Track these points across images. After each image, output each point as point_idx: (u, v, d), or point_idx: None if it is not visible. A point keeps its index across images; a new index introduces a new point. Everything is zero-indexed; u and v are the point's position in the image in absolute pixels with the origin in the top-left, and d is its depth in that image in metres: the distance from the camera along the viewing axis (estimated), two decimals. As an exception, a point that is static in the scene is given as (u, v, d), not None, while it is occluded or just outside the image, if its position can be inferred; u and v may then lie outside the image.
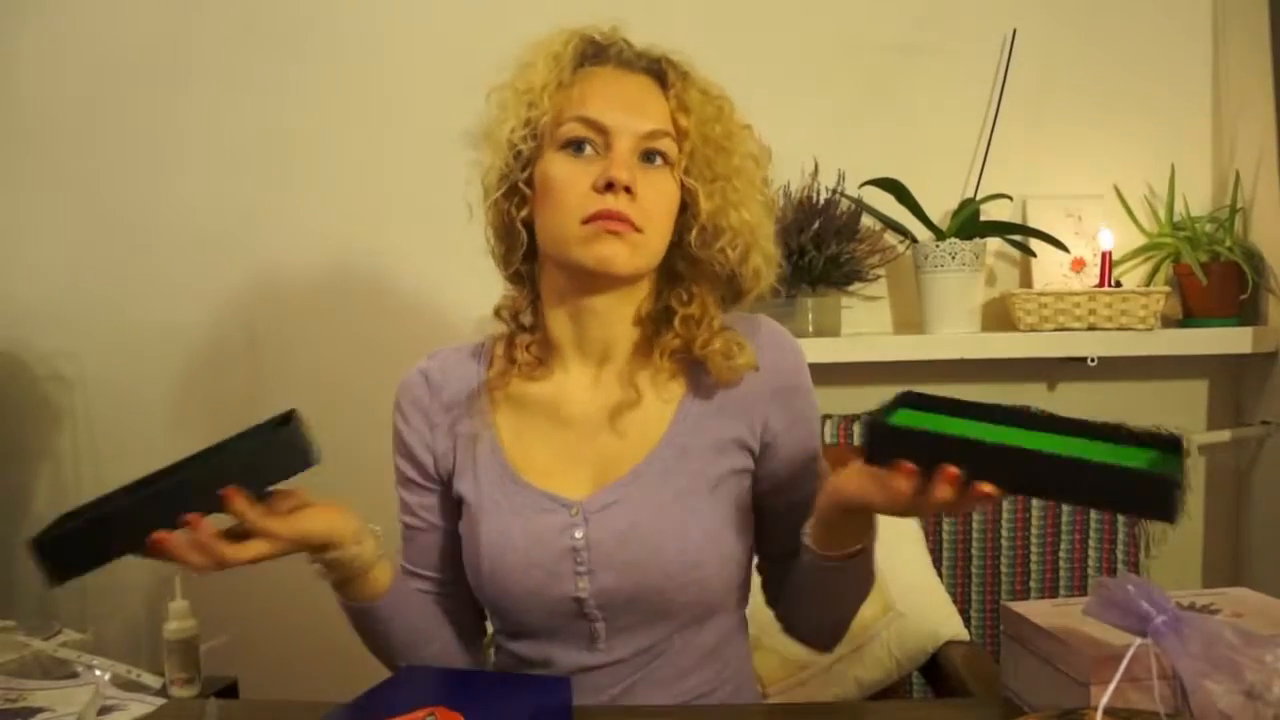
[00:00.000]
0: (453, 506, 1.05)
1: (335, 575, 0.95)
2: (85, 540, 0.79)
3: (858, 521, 0.90)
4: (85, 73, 1.97)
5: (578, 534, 0.97)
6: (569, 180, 0.95)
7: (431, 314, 1.89)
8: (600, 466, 1.01)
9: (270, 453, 0.83)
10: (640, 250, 0.96)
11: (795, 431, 1.03)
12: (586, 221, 0.94)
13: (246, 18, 1.93)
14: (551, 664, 1.00)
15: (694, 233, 0.99)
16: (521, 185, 0.99)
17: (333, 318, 1.94)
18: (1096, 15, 1.81)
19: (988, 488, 0.77)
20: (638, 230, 0.95)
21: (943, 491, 0.78)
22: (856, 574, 0.97)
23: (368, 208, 1.90)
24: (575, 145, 0.96)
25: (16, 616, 1.43)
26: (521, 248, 1.02)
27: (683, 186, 0.99)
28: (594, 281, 0.98)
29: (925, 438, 0.80)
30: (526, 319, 1.05)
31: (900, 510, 0.83)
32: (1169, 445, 0.82)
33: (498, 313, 1.07)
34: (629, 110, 0.97)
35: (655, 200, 0.96)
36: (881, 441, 0.82)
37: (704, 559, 0.98)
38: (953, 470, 0.77)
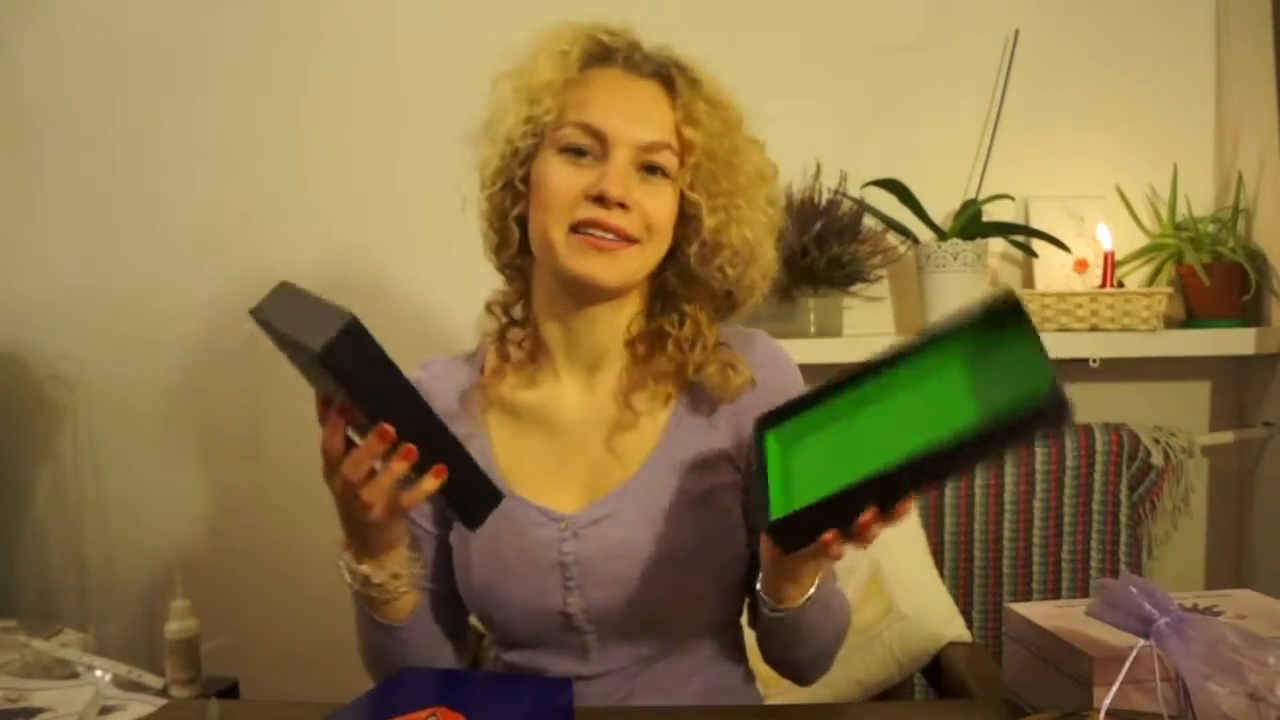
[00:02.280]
0: (446, 516, 1.04)
1: (370, 591, 0.93)
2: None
3: (803, 567, 0.88)
4: (86, 73, 1.97)
5: (566, 549, 0.96)
6: (562, 184, 0.94)
7: (432, 314, 1.89)
8: (591, 479, 1.00)
9: None
10: (629, 263, 0.94)
11: None
12: (575, 228, 0.93)
13: (246, 19, 1.93)
14: (544, 675, 0.99)
15: (694, 247, 0.97)
16: (518, 182, 0.98)
17: (334, 318, 1.94)
18: (1099, 15, 1.81)
19: (903, 509, 0.77)
20: (632, 241, 0.94)
21: (860, 536, 0.77)
22: (807, 623, 0.93)
23: (369, 208, 1.90)
24: (574, 150, 0.95)
25: (17, 616, 1.43)
26: (515, 243, 1.01)
27: (684, 200, 0.97)
28: (581, 291, 0.97)
29: (818, 511, 0.78)
30: (518, 313, 1.04)
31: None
32: (1008, 314, 0.81)
33: (489, 307, 1.05)
34: (631, 118, 0.95)
35: (653, 212, 0.95)
36: (785, 536, 0.80)
37: (693, 574, 0.97)
38: (831, 534, 0.77)
